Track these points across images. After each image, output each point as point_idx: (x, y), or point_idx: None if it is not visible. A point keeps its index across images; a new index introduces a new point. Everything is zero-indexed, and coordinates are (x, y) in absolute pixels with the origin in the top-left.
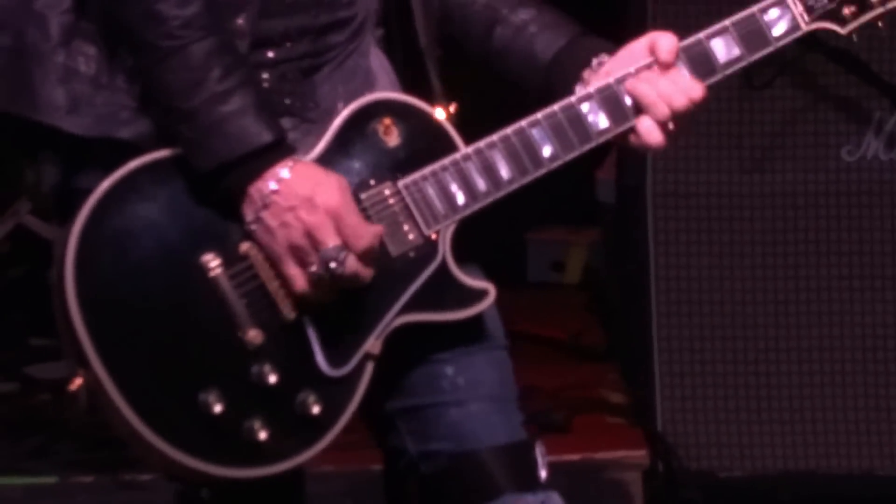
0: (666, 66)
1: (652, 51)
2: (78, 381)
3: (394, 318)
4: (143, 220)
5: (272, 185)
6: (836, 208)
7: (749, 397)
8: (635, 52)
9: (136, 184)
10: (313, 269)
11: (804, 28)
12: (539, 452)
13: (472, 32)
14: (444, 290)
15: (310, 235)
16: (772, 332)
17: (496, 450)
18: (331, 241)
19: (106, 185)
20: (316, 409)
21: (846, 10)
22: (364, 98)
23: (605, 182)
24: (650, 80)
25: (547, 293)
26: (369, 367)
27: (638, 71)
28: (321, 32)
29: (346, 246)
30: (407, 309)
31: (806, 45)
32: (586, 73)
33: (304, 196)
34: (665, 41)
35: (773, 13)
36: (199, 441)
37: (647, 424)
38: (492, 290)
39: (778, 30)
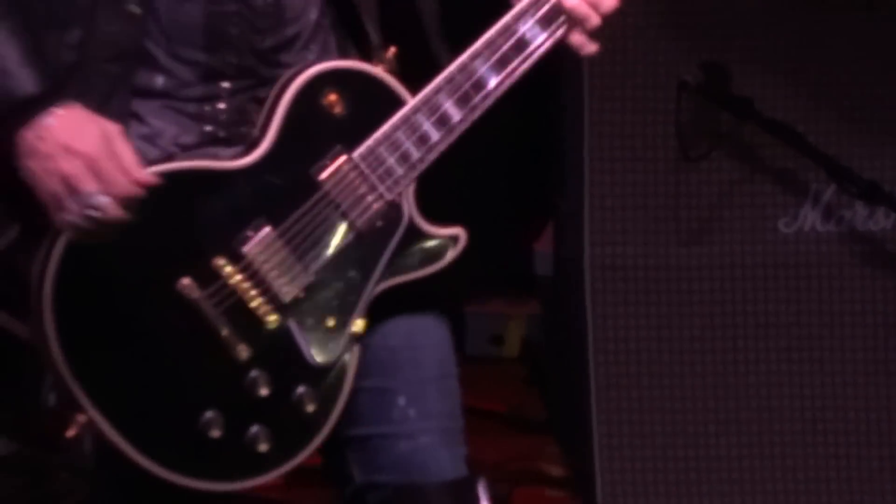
0: None
1: None
2: (75, 427)
3: (373, 290)
4: (116, 254)
5: (37, 133)
6: (774, 280)
7: (689, 469)
8: None
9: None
10: (69, 217)
11: None
12: (481, 487)
13: None
14: (416, 247)
15: (66, 183)
16: (710, 403)
17: (442, 485)
18: (86, 186)
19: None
20: (311, 408)
21: None
22: (301, 77)
23: (542, 255)
24: None
25: (486, 366)
26: (356, 350)
27: None
28: (272, 53)
29: (104, 191)
30: (385, 277)
31: (742, 117)
32: None
33: (62, 143)
34: None
35: None
36: (205, 464)
37: (586, 497)
38: (462, 234)
39: None
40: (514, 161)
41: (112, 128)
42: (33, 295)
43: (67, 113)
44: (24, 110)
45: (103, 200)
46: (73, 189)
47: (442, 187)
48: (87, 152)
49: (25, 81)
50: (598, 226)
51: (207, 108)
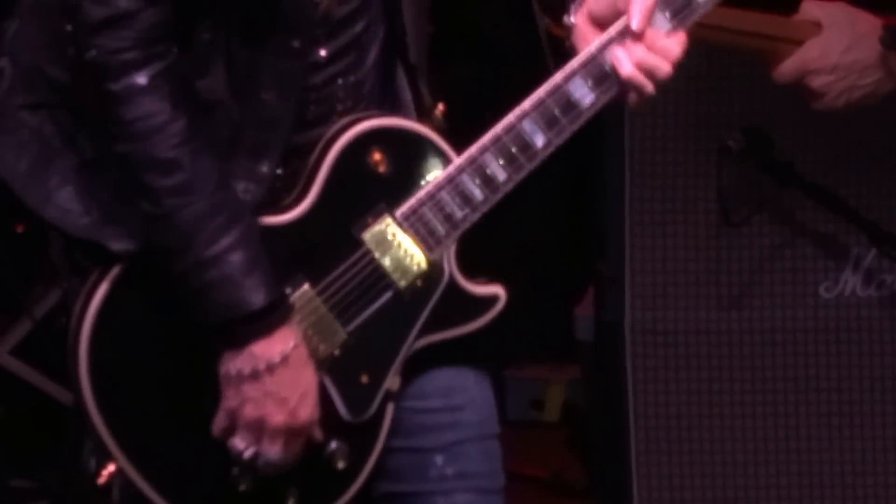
0: (637, 36)
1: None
2: (106, 473)
3: (410, 348)
4: (152, 308)
5: (267, 362)
6: (815, 345)
7: None
8: None
9: (136, 278)
10: (235, 444)
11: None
12: None
13: None
14: (455, 306)
15: (259, 426)
16: (751, 469)
17: None
18: (273, 444)
19: (107, 284)
20: (342, 464)
21: None
22: (347, 134)
23: (583, 319)
24: (630, 52)
25: (527, 431)
26: (390, 407)
27: (620, 35)
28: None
29: (281, 452)
30: (423, 334)
31: (783, 182)
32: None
33: (283, 396)
34: (637, 4)
35: None
36: None
37: None
38: (502, 293)
39: None
40: (554, 225)
41: (316, 385)
42: (70, 340)
43: (294, 353)
44: (252, 322)
45: (272, 459)
46: (259, 435)
47: (483, 253)
48: (301, 420)
49: (251, 293)
50: (638, 290)
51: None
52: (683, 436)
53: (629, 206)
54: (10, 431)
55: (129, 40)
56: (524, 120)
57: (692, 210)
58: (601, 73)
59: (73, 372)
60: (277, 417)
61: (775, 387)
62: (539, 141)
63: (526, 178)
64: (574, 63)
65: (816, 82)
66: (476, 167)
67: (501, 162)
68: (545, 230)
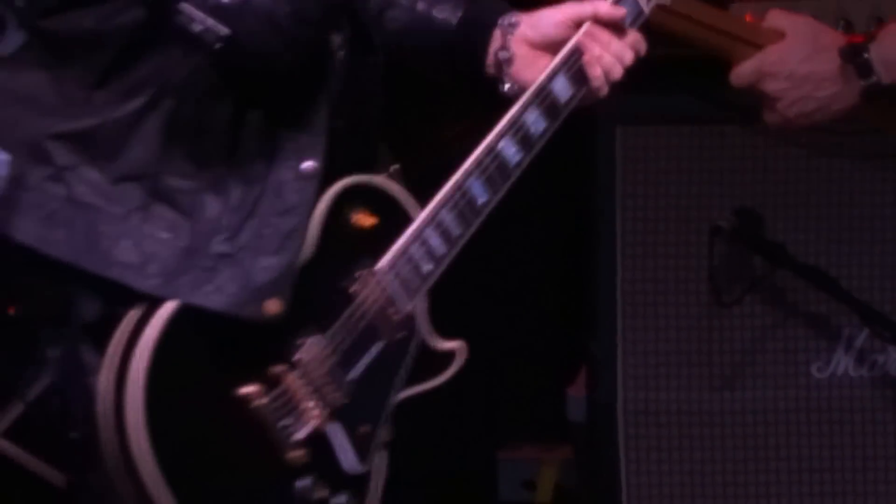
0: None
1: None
2: None
3: (395, 399)
4: (188, 368)
5: None
6: (807, 425)
7: None
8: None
9: (178, 336)
10: None
11: (646, 11)
12: None
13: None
14: (425, 359)
15: None
16: None
17: None
18: None
19: (155, 337)
20: None
21: None
22: (335, 187)
23: (575, 400)
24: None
25: None
26: (385, 456)
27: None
28: None
29: None
30: (403, 386)
31: (775, 262)
32: (498, 33)
33: None
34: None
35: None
36: None
37: None
38: (462, 347)
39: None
40: (546, 306)
41: None
42: (111, 421)
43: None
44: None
45: None
46: None
47: (475, 335)
48: None
49: None
50: (630, 371)
51: None
52: None
53: (621, 286)
54: None
55: None
56: (469, 178)
57: (683, 290)
58: (525, 134)
59: (122, 447)
60: None
61: (768, 467)
62: (481, 198)
63: (519, 258)
64: (501, 125)
65: (771, 87)
66: (437, 223)
67: (456, 217)
68: (537, 311)
